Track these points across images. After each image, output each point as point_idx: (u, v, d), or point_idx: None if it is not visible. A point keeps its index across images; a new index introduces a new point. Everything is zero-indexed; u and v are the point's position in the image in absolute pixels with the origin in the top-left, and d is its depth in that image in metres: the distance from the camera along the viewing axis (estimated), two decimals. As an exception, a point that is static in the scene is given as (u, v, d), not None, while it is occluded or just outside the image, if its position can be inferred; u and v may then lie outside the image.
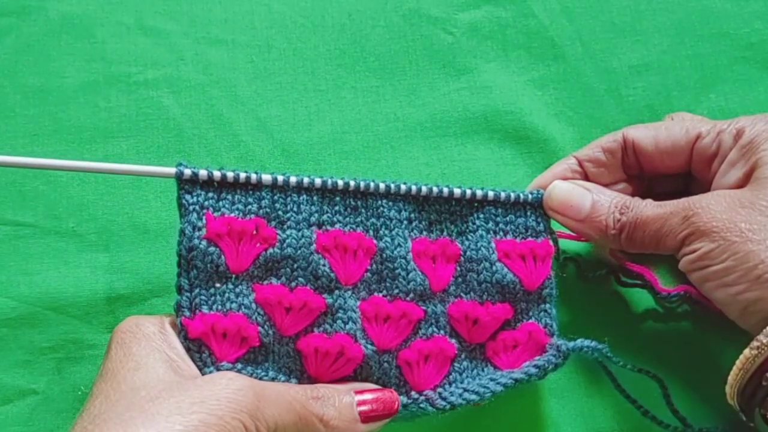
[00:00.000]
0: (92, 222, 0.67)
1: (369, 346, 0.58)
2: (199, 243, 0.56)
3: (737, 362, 0.54)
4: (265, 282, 0.57)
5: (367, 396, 0.56)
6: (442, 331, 0.60)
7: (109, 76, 0.72)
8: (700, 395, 0.64)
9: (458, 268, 0.61)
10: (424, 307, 0.60)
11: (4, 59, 0.71)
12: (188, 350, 0.55)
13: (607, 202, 0.61)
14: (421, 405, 0.58)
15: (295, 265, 0.58)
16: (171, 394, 0.48)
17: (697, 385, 0.64)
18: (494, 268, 0.61)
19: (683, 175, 0.64)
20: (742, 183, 0.58)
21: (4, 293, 0.65)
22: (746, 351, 0.54)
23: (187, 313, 0.55)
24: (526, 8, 0.75)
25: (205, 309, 0.56)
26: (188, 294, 0.56)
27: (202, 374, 0.54)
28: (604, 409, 0.64)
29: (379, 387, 0.57)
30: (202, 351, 0.55)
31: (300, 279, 0.58)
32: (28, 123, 0.70)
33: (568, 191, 0.62)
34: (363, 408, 0.55)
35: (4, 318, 0.64)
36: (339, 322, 0.57)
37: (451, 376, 0.60)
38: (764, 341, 0.53)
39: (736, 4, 0.75)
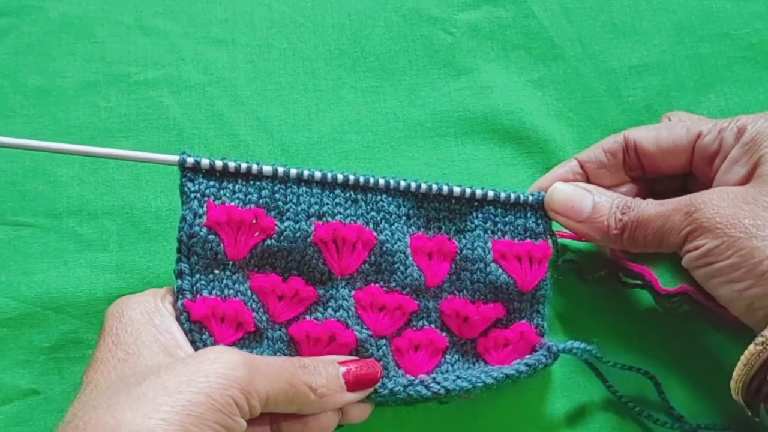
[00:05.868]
0: (92, 222, 0.67)
1: (364, 331, 0.58)
2: (200, 230, 0.57)
3: (742, 357, 0.54)
4: (261, 271, 0.59)
5: (351, 366, 0.56)
6: (433, 325, 0.61)
7: (109, 76, 0.72)
8: (701, 394, 0.64)
9: (453, 266, 0.62)
10: (417, 301, 0.61)
11: (4, 59, 0.71)
12: (190, 332, 0.55)
13: (608, 202, 0.61)
14: (417, 387, 0.59)
15: (290, 258, 0.59)
16: (158, 375, 0.48)
17: (698, 385, 0.64)
18: (489, 269, 0.61)
19: (683, 176, 0.65)
20: (745, 180, 0.58)
21: (4, 293, 0.65)
22: (751, 347, 0.54)
23: (189, 296, 0.56)
24: (526, 8, 0.75)
25: (205, 293, 0.57)
26: (189, 278, 0.56)
27: None
28: (605, 409, 0.64)
29: (359, 358, 0.58)
30: (203, 333, 0.56)
31: (293, 271, 0.59)
32: (28, 123, 0.70)
33: (569, 193, 0.62)
34: (348, 376, 0.55)
35: (4, 318, 0.64)
36: (330, 310, 0.59)
37: (442, 367, 0.61)
38: None
39: (736, 4, 0.75)
